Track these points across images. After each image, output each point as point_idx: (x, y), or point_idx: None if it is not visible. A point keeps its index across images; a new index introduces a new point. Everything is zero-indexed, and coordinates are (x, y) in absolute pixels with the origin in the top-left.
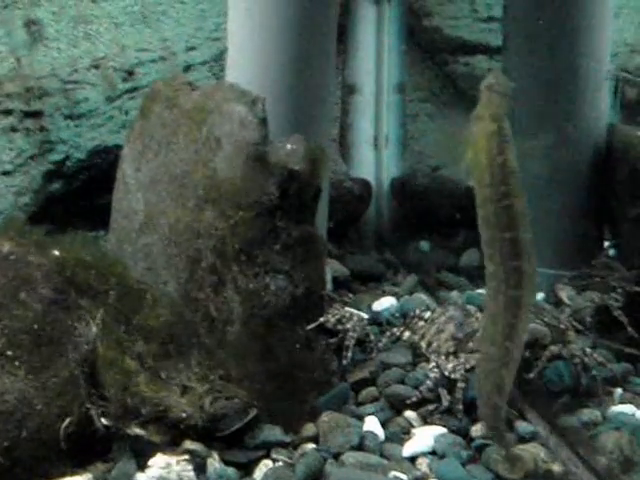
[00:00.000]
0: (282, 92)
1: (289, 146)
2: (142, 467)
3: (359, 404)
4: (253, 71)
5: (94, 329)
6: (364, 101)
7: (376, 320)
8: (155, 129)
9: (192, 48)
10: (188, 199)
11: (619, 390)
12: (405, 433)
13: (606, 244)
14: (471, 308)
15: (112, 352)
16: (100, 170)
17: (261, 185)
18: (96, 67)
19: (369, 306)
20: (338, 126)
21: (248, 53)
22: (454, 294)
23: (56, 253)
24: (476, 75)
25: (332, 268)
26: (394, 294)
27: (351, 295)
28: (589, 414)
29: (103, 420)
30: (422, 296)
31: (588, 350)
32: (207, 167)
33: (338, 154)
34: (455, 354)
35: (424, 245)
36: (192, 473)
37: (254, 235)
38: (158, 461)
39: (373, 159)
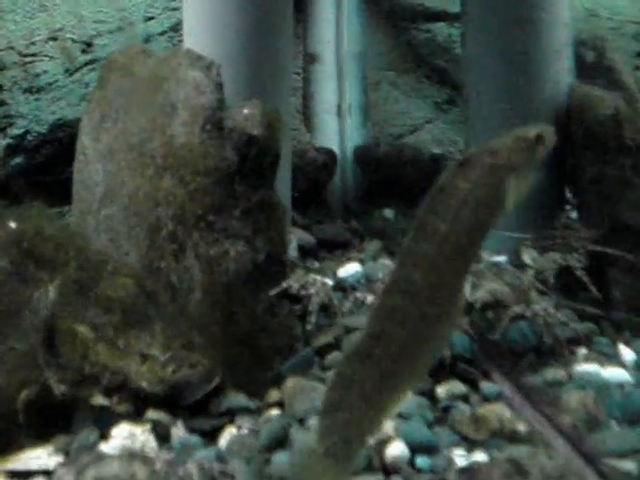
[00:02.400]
0: (238, 60)
1: (246, 111)
2: (105, 437)
3: (324, 369)
4: (208, 38)
5: (51, 296)
6: (325, 70)
7: (341, 286)
8: (112, 98)
9: (150, 18)
10: (147, 167)
11: (583, 350)
12: None
13: (568, 206)
14: None
15: (70, 322)
16: (62, 144)
17: (219, 151)
18: (54, 39)
19: (334, 273)
20: (300, 96)
21: (203, 20)
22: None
23: (13, 225)
24: (437, 42)
25: (298, 237)
26: (359, 260)
27: (317, 263)
28: (553, 373)
29: (61, 388)
30: (387, 262)
31: (551, 310)
32: (164, 134)
33: (301, 124)
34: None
35: (388, 213)
36: (155, 442)
37: (213, 201)
38: (121, 431)
39: (336, 128)
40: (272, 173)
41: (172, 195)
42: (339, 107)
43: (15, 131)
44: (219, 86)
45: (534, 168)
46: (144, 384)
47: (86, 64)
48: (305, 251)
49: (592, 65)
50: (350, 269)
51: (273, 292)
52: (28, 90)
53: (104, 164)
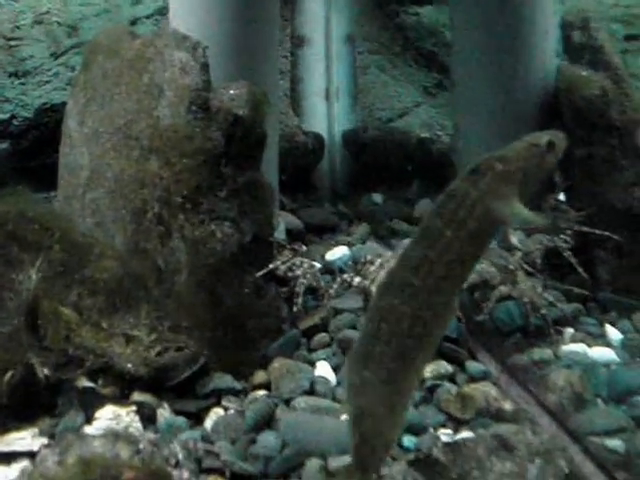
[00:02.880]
0: (224, 42)
1: (232, 91)
2: (90, 420)
3: (311, 350)
4: (194, 20)
5: (34, 277)
6: (314, 53)
7: (329, 269)
8: (98, 81)
9: (137, 2)
10: (132, 150)
11: (570, 330)
12: None
13: (556, 189)
14: None
15: (54, 304)
16: (48, 129)
17: (204, 131)
18: (39, 23)
19: (322, 256)
20: (289, 79)
21: (189, 2)
22: (407, 242)
23: None
24: (425, 25)
25: (286, 221)
26: (347, 244)
27: (305, 247)
28: (540, 353)
29: (45, 370)
30: (374, 245)
31: (538, 290)
32: (150, 116)
33: (289, 107)
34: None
35: (377, 197)
36: (140, 424)
37: (199, 182)
38: (106, 413)
39: (324, 112)
40: (259, 154)
41: (158, 177)
42: (327, 91)
43: (1, 116)
44: (205, 67)
45: (545, 175)
46: (129, 366)
47: (72, 47)
48: (293, 235)
49: (579, 46)
50: (338, 252)
51: (260, 274)
52: (14, 74)
53: (89, 147)
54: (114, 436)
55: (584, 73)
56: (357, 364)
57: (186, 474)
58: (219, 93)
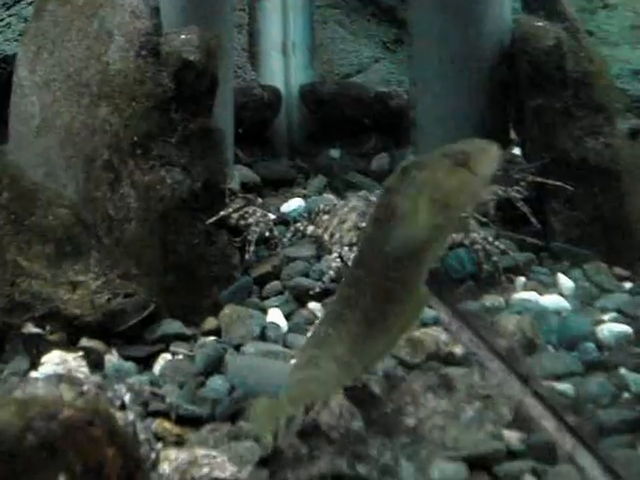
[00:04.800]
0: None
1: (183, 36)
2: (36, 365)
3: (263, 298)
4: None
5: None
6: (272, 7)
7: (283, 220)
8: (49, 28)
9: None
10: (82, 97)
11: (522, 278)
12: (309, 324)
13: (511, 140)
14: (374, 199)
15: (1, 250)
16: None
17: (155, 76)
18: None
19: (277, 208)
20: (246, 33)
21: None
22: (362, 193)
23: None
24: None
25: (241, 174)
26: (302, 196)
27: (259, 198)
28: (491, 300)
29: None
30: (330, 196)
31: (490, 238)
32: (100, 62)
33: (247, 61)
34: (357, 244)
35: (334, 152)
36: (87, 369)
37: (149, 128)
38: (52, 358)
39: (282, 66)
40: (210, 100)
41: (108, 123)
42: (284, 45)
43: None
44: (155, 11)
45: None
46: (76, 311)
47: None
48: (249, 189)
49: None
50: (293, 204)
51: (211, 220)
52: None
53: (40, 96)
54: (57, 378)
55: (540, 24)
56: (324, 322)
57: (131, 416)
58: (170, 38)
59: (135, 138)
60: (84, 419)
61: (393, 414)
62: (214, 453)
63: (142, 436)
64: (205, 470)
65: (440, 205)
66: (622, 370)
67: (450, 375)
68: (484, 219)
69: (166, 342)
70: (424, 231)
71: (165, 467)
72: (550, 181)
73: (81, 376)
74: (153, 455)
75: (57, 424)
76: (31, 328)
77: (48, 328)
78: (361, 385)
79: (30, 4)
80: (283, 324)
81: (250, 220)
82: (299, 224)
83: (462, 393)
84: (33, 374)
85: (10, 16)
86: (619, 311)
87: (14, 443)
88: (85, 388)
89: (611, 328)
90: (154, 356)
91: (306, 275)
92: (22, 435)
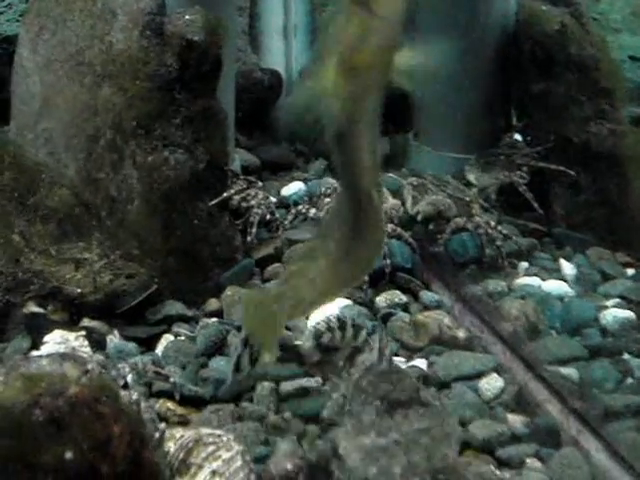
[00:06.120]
0: None
1: (187, 16)
2: (37, 344)
3: (264, 280)
4: None
5: None
6: None
7: (284, 204)
8: (51, 7)
9: None
10: (85, 76)
11: (524, 264)
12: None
13: (513, 125)
14: None
15: (3, 229)
16: (2, 61)
17: (159, 56)
18: None
19: (278, 192)
20: (247, 16)
21: None
22: None
23: None
24: None
25: (242, 158)
26: (303, 180)
27: (261, 183)
28: (494, 285)
29: None
30: (330, 180)
31: (493, 223)
32: (103, 41)
33: (247, 44)
34: None
35: None
36: (89, 348)
37: (152, 108)
38: (54, 337)
39: (282, 49)
40: (213, 81)
41: (111, 103)
42: (285, 28)
43: None
44: None
45: None
46: (78, 290)
47: None
48: (249, 172)
49: None
50: (293, 187)
51: (213, 202)
52: None
53: (42, 76)
54: (61, 356)
55: (544, 8)
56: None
57: (135, 395)
58: (174, 18)
59: (138, 118)
60: (91, 396)
61: None
62: (219, 432)
63: (146, 415)
64: (211, 448)
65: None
66: (626, 355)
67: None
68: (486, 204)
69: (168, 323)
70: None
71: (170, 445)
72: (553, 166)
73: (84, 355)
74: (157, 434)
75: (64, 400)
76: (33, 307)
77: (50, 307)
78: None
79: None
80: None
81: (252, 202)
82: (301, 207)
83: None
84: (35, 353)
85: None
86: (622, 297)
87: (21, 419)
88: (89, 367)
89: (615, 314)
90: (156, 337)
91: None
92: (29, 411)
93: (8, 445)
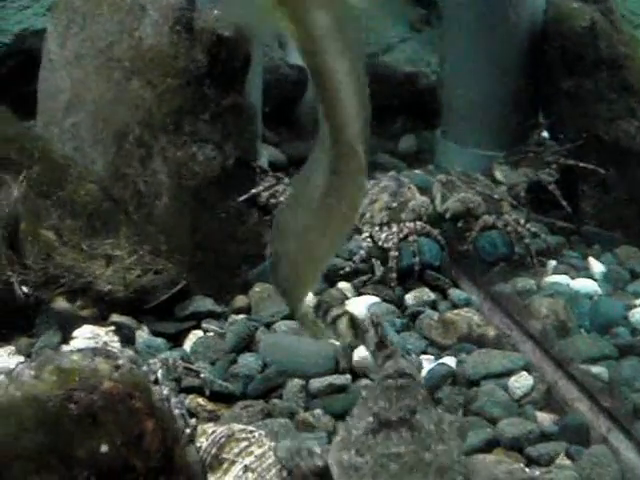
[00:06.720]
0: None
1: (217, 12)
2: (67, 339)
3: None
4: None
5: (15, 193)
6: None
7: None
8: (79, 2)
9: None
10: (114, 71)
11: (553, 262)
12: (339, 304)
13: (541, 127)
14: (404, 179)
15: (34, 224)
16: (29, 56)
17: (188, 52)
18: None
19: None
20: None
21: None
22: (392, 173)
23: None
24: None
25: (268, 154)
26: None
27: (287, 179)
28: (523, 283)
29: (24, 288)
30: None
31: (522, 221)
32: (132, 37)
33: (274, 40)
34: (388, 224)
35: None
36: (119, 344)
37: (182, 104)
38: (84, 332)
39: None
40: (243, 76)
41: (140, 98)
42: None
43: None
44: None
45: None
46: (108, 287)
47: None
48: (276, 168)
49: None
50: None
51: (242, 198)
52: None
53: (70, 71)
54: (92, 351)
55: (574, 5)
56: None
57: (166, 390)
58: (203, 13)
59: (167, 114)
60: (124, 391)
61: None
62: (251, 428)
63: (176, 411)
64: (243, 444)
65: None
66: None
67: None
68: (515, 202)
69: (197, 319)
70: None
71: (202, 441)
72: (582, 164)
73: (115, 350)
74: (188, 430)
75: (98, 395)
76: (62, 303)
77: (79, 303)
78: None
79: None
80: (314, 303)
81: (280, 199)
82: None
83: None
84: (65, 348)
85: None
86: None
87: (56, 413)
88: (120, 362)
89: None
90: (184, 333)
91: (336, 255)
92: (64, 405)
93: (43, 439)
